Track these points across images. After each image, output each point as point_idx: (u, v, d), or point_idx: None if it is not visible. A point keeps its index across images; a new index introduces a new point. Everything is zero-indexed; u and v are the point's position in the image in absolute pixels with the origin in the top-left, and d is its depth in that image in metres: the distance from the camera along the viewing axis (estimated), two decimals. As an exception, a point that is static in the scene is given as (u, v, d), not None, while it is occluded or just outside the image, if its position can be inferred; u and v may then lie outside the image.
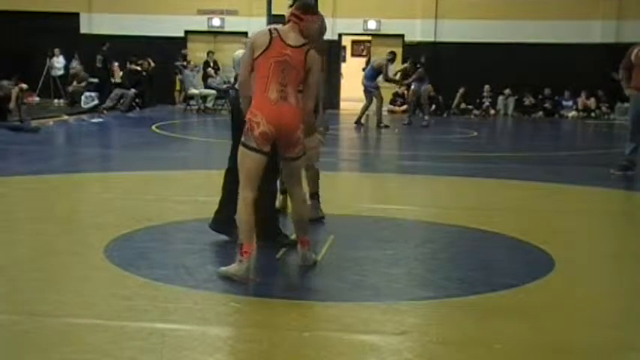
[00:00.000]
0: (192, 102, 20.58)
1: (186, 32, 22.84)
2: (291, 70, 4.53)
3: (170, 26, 22.15)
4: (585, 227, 6.71)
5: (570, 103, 21.94)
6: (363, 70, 18.46)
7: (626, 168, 9.48)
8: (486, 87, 22.01)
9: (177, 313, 3.98)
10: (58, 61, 21.45)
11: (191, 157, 11.07)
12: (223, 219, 5.29)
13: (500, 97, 22.25)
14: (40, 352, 3.44)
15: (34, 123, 14.50)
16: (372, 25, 22.49)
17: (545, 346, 3.65)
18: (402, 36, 22.29)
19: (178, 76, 21.60)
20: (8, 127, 13.44)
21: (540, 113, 21.91)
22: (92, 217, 6.53)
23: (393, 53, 17.41)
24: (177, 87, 22.35)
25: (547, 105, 21.99)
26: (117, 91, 19.33)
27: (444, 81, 20.95)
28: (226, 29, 22.68)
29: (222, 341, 3.73)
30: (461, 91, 22.02)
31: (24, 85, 15.45)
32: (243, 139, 4.55)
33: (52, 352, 3.43)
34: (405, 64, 19.17)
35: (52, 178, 8.51)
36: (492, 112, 22.12)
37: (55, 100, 20.86)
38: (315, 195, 6.39)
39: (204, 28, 22.86)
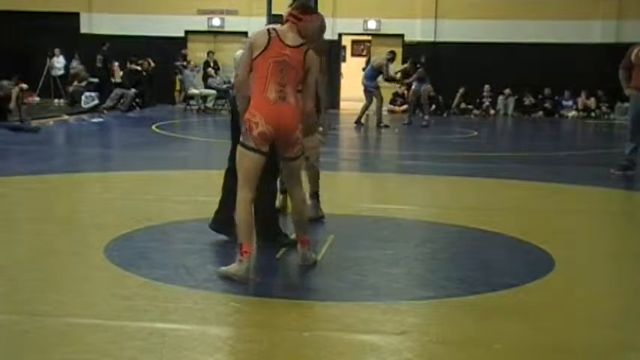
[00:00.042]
0: (192, 102, 20.58)
1: (187, 32, 22.85)
2: (290, 70, 4.53)
3: (170, 26, 22.15)
4: (585, 227, 6.71)
5: (570, 103, 21.94)
6: (363, 70, 18.46)
7: (626, 168, 9.48)
8: (486, 87, 22.01)
9: (177, 313, 3.98)
10: (59, 61, 21.46)
11: (191, 157, 11.07)
12: (223, 219, 5.29)
13: (500, 97, 22.26)
14: (40, 352, 3.44)
15: (34, 123, 14.50)
16: (372, 25, 22.49)
17: (545, 346, 3.65)
18: (402, 36, 22.30)
19: (178, 76, 21.61)
20: (8, 127, 13.44)
21: (540, 113, 21.91)
22: (92, 217, 6.53)
23: (393, 53, 17.42)
24: (177, 87, 22.36)
25: (547, 105, 21.99)
26: (117, 91, 19.34)
27: (444, 81, 20.95)
28: (226, 29, 22.69)
29: (222, 341, 3.73)
30: (461, 91, 22.03)
31: (24, 85, 15.45)
32: (241, 139, 4.55)
33: (52, 352, 3.43)
34: (405, 64, 19.19)
35: (52, 178, 8.51)
36: (492, 112, 22.12)
37: (55, 100, 20.86)
38: (315, 194, 6.40)
39: (204, 28, 22.86)
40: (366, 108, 17.00)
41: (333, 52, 19.89)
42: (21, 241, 5.55)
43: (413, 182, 9.16)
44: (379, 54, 19.24)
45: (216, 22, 22.80)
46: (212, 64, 21.24)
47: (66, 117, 17.01)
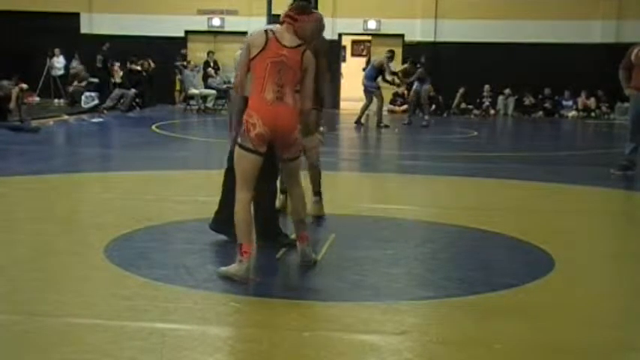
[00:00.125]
0: (192, 102, 20.59)
1: (187, 32, 22.85)
2: (287, 70, 4.53)
3: (170, 26, 22.15)
4: (585, 227, 6.71)
5: (570, 103, 21.95)
6: (364, 70, 18.46)
7: (626, 168, 9.48)
8: (486, 87, 22.02)
9: (177, 313, 3.98)
10: (59, 61, 21.46)
11: (191, 157, 11.07)
12: (223, 219, 5.29)
13: (500, 97, 22.26)
14: (40, 352, 3.44)
15: (34, 123, 14.50)
16: (372, 25, 22.50)
17: (545, 346, 3.65)
18: (402, 36, 22.30)
19: (178, 76, 21.61)
20: (8, 127, 13.44)
21: (540, 113, 21.91)
22: (92, 217, 6.53)
23: (392, 52, 17.43)
24: (177, 87, 22.36)
25: (547, 105, 21.99)
26: (117, 91, 19.34)
27: (444, 81, 20.95)
28: (226, 29, 22.68)
29: (222, 341, 3.73)
30: (461, 91, 22.03)
31: (24, 85, 15.45)
32: (239, 139, 4.56)
33: (52, 352, 3.43)
34: (405, 65, 19.19)
35: (52, 178, 8.51)
36: (492, 112, 22.12)
37: (55, 100, 20.86)
38: (318, 193, 6.42)
39: (204, 28, 22.86)
40: (365, 108, 17.00)
41: (333, 52, 19.90)
42: (21, 241, 5.55)
43: (413, 182, 9.16)
44: (379, 54, 19.23)
45: (216, 22, 22.80)
46: (212, 64, 21.25)
47: (66, 117, 17.01)
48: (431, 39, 22.01)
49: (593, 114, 21.58)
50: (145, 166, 9.62)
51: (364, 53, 24.38)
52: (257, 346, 3.60)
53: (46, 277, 4.60)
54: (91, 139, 14.29)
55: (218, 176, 5.53)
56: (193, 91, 20.51)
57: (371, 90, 16.80)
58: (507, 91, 22.08)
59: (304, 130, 4.87)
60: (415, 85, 17.85)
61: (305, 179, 5.44)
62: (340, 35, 22.47)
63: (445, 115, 21.46)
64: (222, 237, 5.37)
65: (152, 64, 20.70)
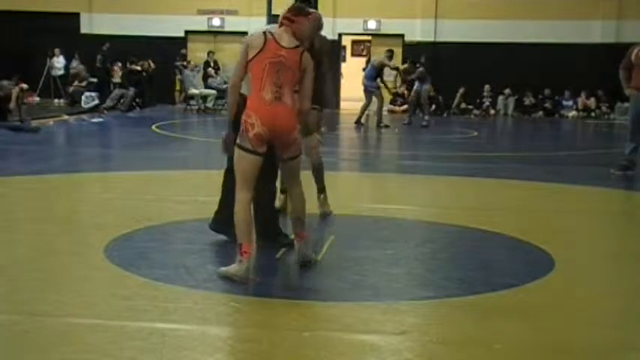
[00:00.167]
0: (192, 102, 20.59)
1: (187, 32, 22.85)
2: (286, 70, 4.54)
3: (170, 26, 22.15)
4: (585, 227, 6.71)
5: (570, 103, 21.95)
6: (364, 70, 18.47)
7: (626, 168, 9.48)
8: (486, 87, 22.02)
9: (177, 313, 3.98)
10: (59, 61, 21.46)
11: (191, 157, 11.07)
12: (223, 219, 5.29)
13: (501, 97, 22.26)
14: (40, 352, 3.44)
15: (34, 123, 14.51)
16: (372, 25, 22.50)
17: (545, 346, 3.65)
18: (402, 36, 22.31)
19: (178, 76, 21.61)
20: (8, 127, 13.45)
21: (540, 113, 21.91)
22: (92, 217, 6.53)
23: (391, 51, 17.46)
24: (177, 87, 22.37)
25: (547, 105, 22.00)
26: (117, 91, 19.35)
27: (444, 81, 20.96)
28: (226, 29, 22.68)
29: (222, 341, 3.73)
30: (461, 91, 22.03)
31: (24, 85, 15.45)
32: (238, 140, 4.57)
33: (52, 352, 3.43)
34: (405, 65, 19.20)
35: (52, 178, 8.51)
36: (492, 112, 22.13)
37: (56, 100, 20.87)
38: (323, 189, 6.45)
39: (205, 28, 22.86)
40: (365, 108, 17.01)
41: (333, 52, 19.92)
42: (21, 241, 5.55)
43: (413, 182, 9.16)
44: (379, 54, 19.24)
45: (216, 22, 22.80)
46: (212, 64, 21.25)
47: (66, 117, 17.02)
48: (431, 39, 22.02)
49: (593, 114, 21.58)
50: (145, 166, 9.62)
51: (364, 53, 24.39)
52: (257, 346, 3.60)
53: (46, 277, 4.60)
54: (91, 139, 14.29)
55: (218, 176, 5.53)
56: (193, 91, 20.51)
57: (371, 90, 16.81)
58: (507, 91, 22.08)
59: (304, 130, 4.87)
60: (415, 85, 17.86)
61: (308, 179, 5.43)
62: (340, 35, 22.48)
63: (445, 115, 21.45)
64: (222, 237, 5.37)
65: (152, 65, 20.70)
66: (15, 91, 14.65)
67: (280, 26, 4.66)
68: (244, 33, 19.71)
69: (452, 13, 21.81)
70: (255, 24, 17.02)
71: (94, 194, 7.78)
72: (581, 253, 5.68)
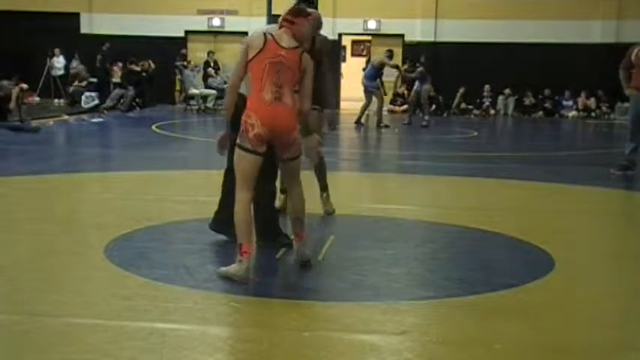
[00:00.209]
0: (192, 102, 20.59)
1: (187, 32, 22.85)
2: (286, 70, 4.55)
3: (170, 26, 22.16)
4: (585, 227, 6.71)
5: (570, 103, 21.95)
6: (364, 69, 18.47)
7: (626, 168, 9.48)
8: (486, 87, 22.02)
9: (177, 313, 3.98)
10: (59, 61, 21.47)
11: (191, 157, 11.07)
12: (223, 219, 5.29)
13: (501, 97, 22.27)
14: (40, 352, 3.44)
15: (34, 123, 14.51)
16: (372, 25, 22.50)
17: (545, 346, 3.65)
18: (402, 36, 22.31)
19: (178, 76, 21.62)
20: (8, 127, 13.45)
21: (540, 113, 21.92)
22: (92, 217, 6.53)
23: (390, 51, 17.47)
24: (177, 87, 22.37)
25: (547, 105, 22.00)
26: (117, 91, 19.35)
27: (444, 81, 20.96)
28: (226, 29, 22.69)
29: (222, 341, 3.73)
30: (461, 91, 22.03)
31: (24, 85, 15.46)
32: (238, 140, 4.57)
33: (52, 352, 3.43)
34: (405, 66, 19.21)
35: (52, 178, 8.51)
36: (492, 112, 22.13)
37: (56, 100, 20.87)
38: (325, 187, 6.47)
39: (205, 28, 22.86)
40: (365, 108, 17.02)
41: (333, 52, 19.92)
42: (21, 241, 5.55)
43: (413, 182, 9.16)
44: (379, 54, 19.25)
45: (216, 22, 22.80)
46: (212, 64, 21.25)
47: (66, 117, 17.02)
48: (431, 39, 22.02)
49: (593, 114, 21.59)
50: (145, 166, 9.62)
51: (364, 53, 24.39)
52: (257, 346, 3.60)
53: (46, 277, 4.60)
54: (91, 139, 14.29)
55: (218, 176, 5.53)
56: (193, 91, 20.51)
57: (371, 90, 16.82)
58: (507, 91, 22.09)
59: (303, 130, 4.87)
60: (415, 85, 17.86)
61: (308, 179, 5.43)
62: (340, 35, 22.48)
63: (445, 115, 21.46)
64: (222, 237, 5.37)
65: (152, 65, 20.70)
66: (15, 91, 14.65)
67: (280, 28, 4.67)
68: (244, 33, 19.77)
69: (452, 13, 21.81)
70: (255, 24, 17.03)
71: (94, 194, 7.78)
72: (581, 253, 5.68)
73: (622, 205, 8.28)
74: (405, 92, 21.16)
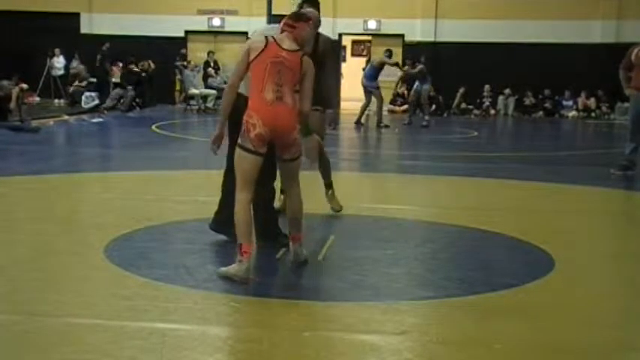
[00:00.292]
0: (192, 102, 20.60)
1: (187, 32, 22.86)
2: (287, 71, 4.57)
3: (170, 26, 22.16)
4: (585, 227, 6.71)
5: (570, 103, 21.96)
6: (363, 69, 18.48)
7: (626, 168, 9.48)
8: (486, 87, 22.03)
9: (177, 313, 3.98)
10: (59, 61, 21.47)
11: (191, 157, 11.07)
12: (223, 219, 5.29)
13: (501, 97, 22.27)
14: (40, 352, 3.44)
15: (34, 123, 14.51)
16: (372, 25, 22.51)
17: (545, 346, 3.65)
18: (402, 36, 22.32)
19: (178, 76, 21.62)
20: (8, 127, 13.45)
21: (540, 113, 21.93)
22: (92, 217, 6.53)
23: (389, 51, 17.49)
24: (177, 87, 22.37)
25: (547, 105, 22.00)
26: (117, 91, 19.35)
27: (444, 81, 20.96)
28: (226, 29, 22.70)
29: (222, 341, 3.73)
30: (461, 91, 22.04)
31: (24, 85, 15.46)
32: (239, 140, 4.58)
33: (52, 352, 3.43)
34: (405, 67, 19.20)
35: (52, 178, 8.51)
36: (492, 112, 22.14)
37: (56, 100, 20.88)
38: (330, 185, 6.50)
39: (205, 28, 22.87)
40: (365, 108, 17.03)
41: (333, 52, 19.91)
42: (21, 241, 5.55)
43: (413, 182, 9.16)
44: (379, 54, 19.27)
45: (216, 22, 22.81)
46: (212, 64, 21.25)
47: (66, 117, 17.02)
48: (431, 39, 22.02)
49: (593, 114, 21.60)
50: (145, 166, 9.62)
51: (364, 53, 24.40)
52: (257, 346, 3.60)
53: (46, 277, 4.60)
54: (91, 139, 14.29)
55: (218, 176, 5.53)
56: (193, 91, 20.52)
57: (370, 90, 16.83)
58: (507, 91, 22.10)
59: (303, 130, 4.88)
60: (415, 85, 17.86)
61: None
62: (340, 35, 22.49)
63: (445, 115, 21.47)
64: (222, 237, 5.37)
65: (152, 65, 20.70)
66: (15, 91, 14.65)
67: (282, 32, 4.70)
68: (244, 33, 19.82)
69: (452, 13, 21.82)
70: (255, 24, 17.03)
71: (94, 194, 7.78)
72: (581, 253, 5.68)
73: (622, 205, 8.28)
74: (405, 92, 21.15)
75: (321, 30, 5.95)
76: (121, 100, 19.17)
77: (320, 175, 6.65)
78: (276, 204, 5.87)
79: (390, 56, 17.20)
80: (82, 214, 6.79)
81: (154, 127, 15.24)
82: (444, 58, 21.21)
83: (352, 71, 22.34)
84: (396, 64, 18.03)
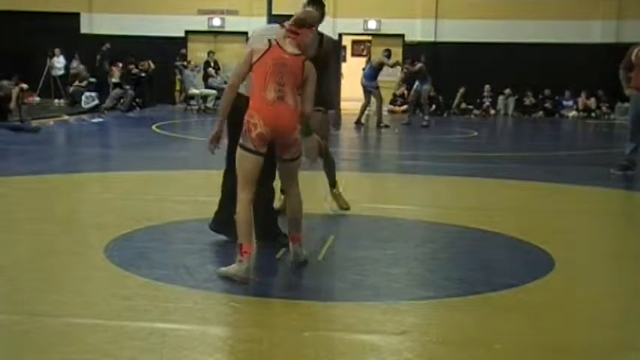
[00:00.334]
0: (192, 102, 20.60)
1: (187, 32, 22.86)
2: (289, 74, 4.59)
3: (170, 26, 22.16)
4: (585, 227, 6.71)
5: (570, 103, 21.96)
6: (363, 69, 18.48)
7: (626, 168, 9.48)
8: (486, 87, 22.03)
9: (177, 313, 3.98)
10: (59, 61, 21.47)
11: (191, 157, 11.06)
12: (223, 219, 5.30)
13: (501, 97, 22.27)
14: (40, 352, 3.44)
15: (34, 123, 14.51)
16: (372, 25, 22.51)
17: (545, 346, 3.65)
18: (402, 36, 22.31)
19: (178, 76, 21.62)
20: (8, 127, 13.45)
21: (540, 113, 21.93)
22: (92, 217, 6.53)
23: (388, 51, 17.50)
24: (178, 87, 22.37)
25: (547, 105, 22.00)
26: (117, 91, 19.35)
27: (444, 81, 20.96)
28: (227, 29, 22.70)
29: (222, 341, 3.73)
30: (461, 91, 22.04)
31: (24, 85, 15.46)
32: (241, 140, 4.58)
33: (52, 352, 3.43)
34: (406, 65, 19.21)
35: (52, 178, 8.51)
36: (492, 112, 22.13)
37: (56, 100, 20.88)
38: (334, 184, 6.52)
39: (205, 28, 22.87)
40: (364, 107, 17.04)
41: (335, 51, 19.89)
42: (21, 241, 5.55)
43: (413, 182, 9.16)
44: (379, 54, 19.26)
45: (216, 22, 22.81)
46: (212, 64, 21.25)
47: (66, 117, 17.02)
48: (431, 39, 22.02)
49: (593, 114, 21.59)
50: (145, 166, 9.62)
51: (364, 53, 24.39)
52: (257, 346, 3.60)
53: (46, 277, 4.60)
54: (91, 139, 14.28)
55: (218, 176, 5.53)
56: (193, 91, 20.52)
57: (370, 90, 16.84)
58: (507, 91, 22.10)
59: (303, 130, 4.88)
60: (415, 85, 17.85)
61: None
62: (340, 35, 22.46)
63: (445, 115, 21.47)
64: (222, 237, 5.37)
65: (152, 65, 20.70)
66: (15, 91, 14.65)
67: (285, 38, 4.72)
68: (244, 33, 19.81)
69: (452, 13, 21.82)
70: (256, 24, 17.01)
71: (94, 194, 7.78)
72: (581, 253, 5.68)
73: (622, 205, 8.28)
74: (405, 92, 21.15)
75: (321, 30, 5.95)
76: (121, 100, 19.17)
77: (325, 175, 6.66)
78: (276, 204, 5.87)
79: (388, 56, 17.20)
80: (82, 214, 6.79)
81: (154, 127, 15.24)
82: (444, 58, 21.21)
83: (352, 71, 22.33)
84: (397, 63, 18.01)
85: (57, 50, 21.32)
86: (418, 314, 4.14)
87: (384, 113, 18.14)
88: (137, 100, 19.78)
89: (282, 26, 5.07)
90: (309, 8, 5.43)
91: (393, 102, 21.91)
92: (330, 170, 6.65)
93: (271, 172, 5.11)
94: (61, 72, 21.34)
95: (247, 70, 4.65)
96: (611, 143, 15.17)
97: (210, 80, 20.72)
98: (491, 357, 3.52)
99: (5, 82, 14.81)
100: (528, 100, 22.17)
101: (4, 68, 16.37)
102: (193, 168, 9.66)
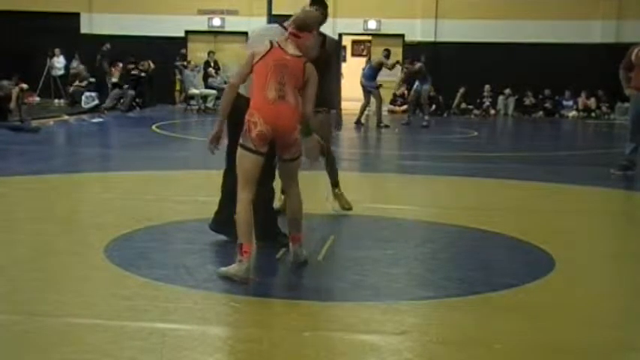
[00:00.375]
0: (192, 102, 20.60)
1: (187, 32, 22.86)
2: (290, 75, 4.60)
3: (170, 26, 22.16)
4: (585, 227, 6.71)
5: (570, 103, 21.96)
6: (363, 69, 18.47)
7: (626, 168, 9.48)
8: (486, 87, 22.03)
9: (177, 313, 3.98)
10: (59, 61, 21.47)
11: (191, 157, 11.06)
12: (223, 219, 5.29)
13: (501, 97, 22.27)
14: (40, 352, 3.44)
15: (34, 123, 14.51)
16: (372, 25, 22.51)
17: (545, 346, 3.65)
18: (402, 36, 22.31)
19: (178, 76, 21.62)
20: (8, 127, 13.45)
21: (540, 113, 21.93)
22: (92, 217, 6.53)
23: (388, 50, 17.52)
24: (178, 87, 22.37)
25: (547, 105, 22.00)
26: (117, 91, 19.35)
27: (444, 81, 20.96)
28: (227, 29, 22.70)
29: (222, 341, 3.73)
30: (461, 91, 22.04)
31: (24, 85, 15.46)
32: (241, 140, 4.58)
33: (52, 352, 3.43)
34: (406, 64, 19.22)
35: (52, 178, 8.51)
36: (492, 112, 22.13)
37: (56, 100, 20.87)
38: (337, 184, 6.51)
39: (205, 28, 22.87)
40: (364, 107, 17.03)
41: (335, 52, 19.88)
42: (21, 241, 5.55)
43: (413, 182, 9.16)
44: (379, 54, 19.26)
45: (216, 22, 22.81)
46: (212, 64, 21.25)
47: (66, 117, 17.02)
48: (431, 39, 22.02)
49: (593, 114, 21.59)
50: (145, 166, 9.62)
51: (364, 53, 24.38)
52: (257, 346, 3.60)
53: (46, 277, 4.60)
54: (91, 139, 14.28)
55: (218, 176, 5.53)
56: (193, 91, 20.52)
57: (369, 89, 16.85)
58: (507, 91, 22.09)
59: (304, 130, 4.88)
60: (415, 85, 17.85)
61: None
62: (340, 35, 22.43)
63: (445, 115, 21.46)
64: (222, 237, 5.37)
65: (152, 65, 20.70)
66: (15, 91, 14.65)
67: (286, 40, 4.72)
68: (244, 33, 19.75)
69: (452, 13, 21.82)
70: (256, 24, 16.98)
71: (94, 194, 7.78)
72: (581, 253, 5.68)
73: (622, 205, 8.28)
74: (405, 92, 21.15)
75: (322, 30, 5.96)
76: (121, 100, 19.17)
77: (327, 175, 6.66)
78: (276, 204, 5.87)
79: (387, 56, 17.20)
80: (82, 214, 6.79)
81: (154, 127, 15.23)
82: (444, 58, 21.21)
83: (352, 71, 22.31)
84: (397, 63, 18.00)
85: (57, 50, 21.31)
86: (418, 314, 4.14)
87: (384, 113, 18.14)
88: (137, 100, 19.77)
89: (282, 26, 5.07)
90: (310, 9, 5.43)
91: (393, 102, 21.91)
92: (332, 170, 6.66)
93: (271, 171, 5.12)
94: (61, 72, 21.34)
95: (249, 71, 4.66)
96: (611, 143, 15.17)
97: (210, 80, 20.72)
98: (491, 357, 3.52)
99: (5, 82, 14.81)
100: (528, 100, 22.17)
101: (4, 68, 16.38)
102: (193, 168, 9.66)
